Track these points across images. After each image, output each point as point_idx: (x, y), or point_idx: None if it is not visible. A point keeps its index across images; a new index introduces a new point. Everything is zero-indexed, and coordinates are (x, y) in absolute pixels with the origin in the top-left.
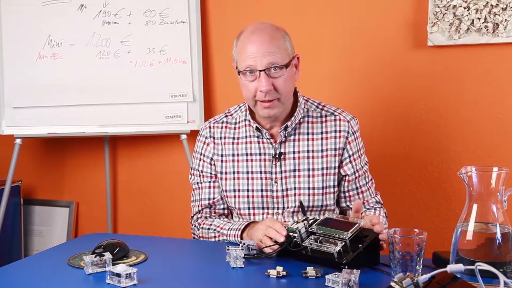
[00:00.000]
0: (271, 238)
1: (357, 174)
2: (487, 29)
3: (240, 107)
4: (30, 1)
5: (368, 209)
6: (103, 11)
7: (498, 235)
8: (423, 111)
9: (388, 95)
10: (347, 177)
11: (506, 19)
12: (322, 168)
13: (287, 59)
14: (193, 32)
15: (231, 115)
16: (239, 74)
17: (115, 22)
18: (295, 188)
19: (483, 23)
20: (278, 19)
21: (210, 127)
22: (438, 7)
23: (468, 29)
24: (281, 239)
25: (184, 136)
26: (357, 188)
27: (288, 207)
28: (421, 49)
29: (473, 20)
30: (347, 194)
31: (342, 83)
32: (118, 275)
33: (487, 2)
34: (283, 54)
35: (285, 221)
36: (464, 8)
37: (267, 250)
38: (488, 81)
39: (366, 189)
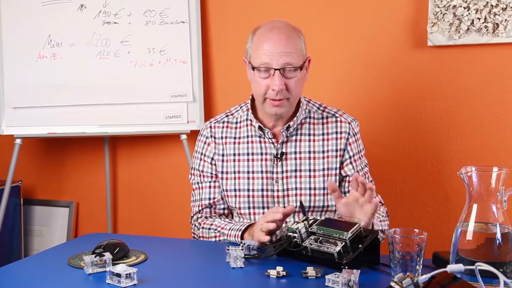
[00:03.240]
0: (271, 235)
1: None
2: (487, 29)
3: (241, 106)
4: (30, 1)
5: None
6: (103, 11)
7: (498, 235)
8: (423, 111)
9: (388, 95)
10: (347, 178)
11: (506, 19)
12: (323, 169)
13: (301, 60)
14: (193, 32)
15: (232, 114)
16: (252, 70)
17: (115, 22)
18: (296, 188)
19: (483, 23)
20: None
21: (211, 127)
22: (438, 7)
23: (468, 29)
24: (277, 215)
25: (184, 136)
26: None
27: None
28: (421, 49)
29: (473, 20)
30: (348, 195)
31: (341, 83)
32: (118, 275)
33: (487, 2)
34: (298, 55)
35: (286, 222)
36: (464, 8)
37: (264, 238)
38: (488, 81)
39: None
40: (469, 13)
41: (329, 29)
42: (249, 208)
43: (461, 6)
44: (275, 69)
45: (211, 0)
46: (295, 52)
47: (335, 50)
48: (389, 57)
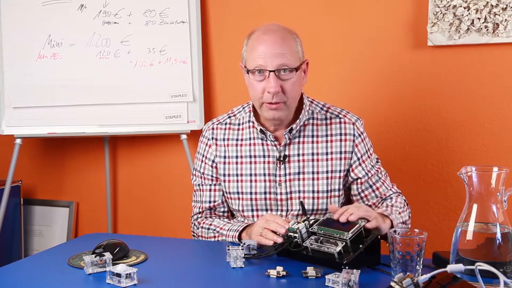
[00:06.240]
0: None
1: (369, 174)
2: (487, 29)
3: (244, 107)
4: (30, 1)
5: (383, 199)
6: (103, 11)
7: (498, 235)
8: (423, 111)
9: (388, 95)
10: (359, 180)
11: (506, 19)
12: (327, 171)
13: (297, 62)
14: (193, 32)
15: (234, 115)
16: (247, 73)
17: (115, 22)
18: (299, 191)
19: (483, 23)
20: (277, 19)
21: (213, 129)
22: (438, 7)
23: (468, 29)
24: (282, 230)
25: (184, 136)
26: (371, 186)
27: (292, 210)
28: (421, 49)
29: (473, 20)
30: (362, 194)
31: (341, 83)
32: (118, 275)
33: (487, 2)
34: (294, 56)
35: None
36: (464, 8)
37: (267, 242)
38: (488, 81)
39: (381, 184)
40: (469, 13)
41: (329, 29)
42: (252, 210)
43: (461, 6)
44: (270, 71)
45: (211, 0)
46: (290, 53)
47: (335, 50)
48: (389, 57)
